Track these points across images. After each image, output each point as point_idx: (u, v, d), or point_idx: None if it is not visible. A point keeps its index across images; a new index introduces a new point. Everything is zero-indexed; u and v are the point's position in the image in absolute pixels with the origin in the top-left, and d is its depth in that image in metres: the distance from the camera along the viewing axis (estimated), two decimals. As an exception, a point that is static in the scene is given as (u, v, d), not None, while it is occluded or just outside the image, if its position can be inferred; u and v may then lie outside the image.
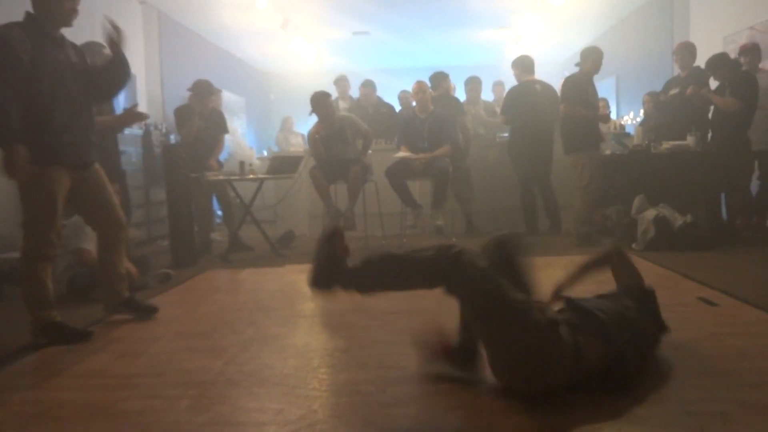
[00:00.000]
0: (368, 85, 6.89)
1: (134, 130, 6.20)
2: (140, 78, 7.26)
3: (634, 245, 4.79)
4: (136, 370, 2.38)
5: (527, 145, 5.56)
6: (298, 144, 8.79)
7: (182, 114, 5.59)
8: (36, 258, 2.77)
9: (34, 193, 2.73)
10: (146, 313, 3.16)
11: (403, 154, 5.34)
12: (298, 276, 4.33)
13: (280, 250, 5.34)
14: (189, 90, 5.64)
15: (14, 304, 3.70)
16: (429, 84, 5.93)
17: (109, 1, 6.65)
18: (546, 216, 5.73)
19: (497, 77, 8.23)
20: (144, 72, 7.44)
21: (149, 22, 7.63)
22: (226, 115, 6.11)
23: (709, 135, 5.40)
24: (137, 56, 7.28)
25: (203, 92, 5.58)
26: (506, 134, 6.86)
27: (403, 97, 7.90)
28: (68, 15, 2.79)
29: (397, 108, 7.53)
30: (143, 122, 6.44)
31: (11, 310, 3.56)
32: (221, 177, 5.27)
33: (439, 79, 6.10)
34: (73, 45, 2.97)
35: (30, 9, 2.76)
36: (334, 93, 7.32)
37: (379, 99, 7.08)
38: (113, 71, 3.03)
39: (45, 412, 2.01)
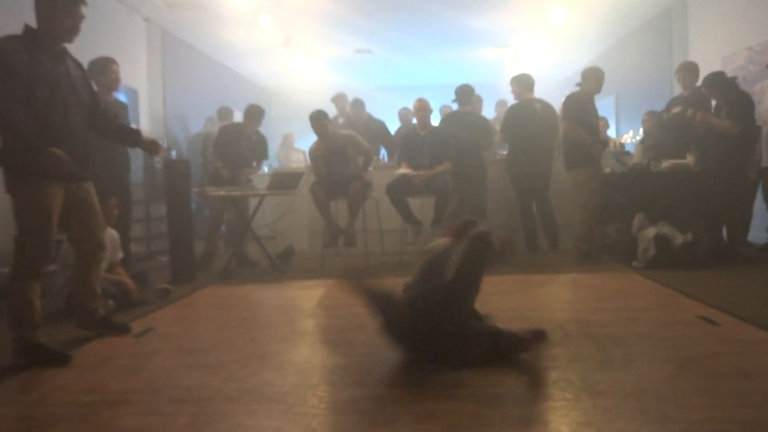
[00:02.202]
0: (357, 105, 7.10)
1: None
2: (143, 94, 7.31)
3: (634, 263, 4.78)
4: (133, 386, 2.36)
5: (526, 163, 5.55)
6: (298, 160, 8.82)
7: (227, 133, 5.75)
8: (26, 275, 2.70)
9: (28, 207, 2.68)
10: (119, 331, 3.13)
11: (403, 170, 5.35)
12: (298, 292, 4.33)
13: (280, 266, 5.33)
14: (244, 111, 5.79)
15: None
16: (456, 98, 5.86)
17: (114, 19, 6.74)
18: (544, 234, 5.72)
19: (497, 95, 8.28)
20: (147, 88, 7.49)
21: (153, 39, 7.70)
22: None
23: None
24: (140, 72, 7.34)
25: (254, 116, 5.72)
26: (505, 152, 6.90)
27: (403, 114, 7.95)
28: (69, 32, 2.80)
29: (396, 124, 7.60)
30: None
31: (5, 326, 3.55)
32: (221, 193, 5.28)
33: (468, 94, 5.87)
34: (74, 59, 2.96)
35: (29, 22, 2.78)
36: (333, 110, 7.41)
37: (369, 116, 7.19)
38: (122, 137, 3.11)
39: (43, 428, 1.99)
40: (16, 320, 2.69)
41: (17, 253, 2.70)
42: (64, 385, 2.39)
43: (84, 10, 2.83)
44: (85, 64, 3.23)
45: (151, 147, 3.19)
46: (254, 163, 5.93)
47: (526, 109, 5.66)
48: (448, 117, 6.17)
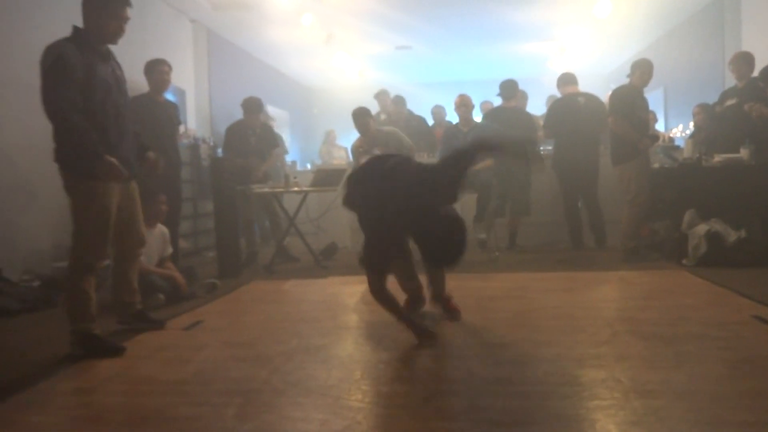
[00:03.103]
0: (398, 102, 7.10)
1: (183, 143, 6.38)
2: (189, 93, 7.49)
3: (684, 261, 4.65)
4: (183, 377, 2.43)
5: (572, 159, 5.47)
6: (341, 157, 8.88)
7: (233, 132, 5.78)
8: (84, 270, 2.79)
9: (88, 207, 2.76)
10: (154, 326, 3.20)
11: (445, 167, 5.32)
12: (340, 288, 4.37)
13: (323, 262, 5.39)
14: (241, 106, 5.81)
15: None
16: (500, 93, 5.81)
17: (162, 21, 6.93)
18: (591, 230, 5.61)
19: (540, 90, 8.14)
20: (193, 87, 7.67)
21: (199, 39, 7.88)
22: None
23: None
24: (187, 72, 7.52)
25: (253, 108, 5.72)
26: (550, 147, 6.79)
27: (436, 111, 7.93)
28: (114, 33, 2.85)
29: (430, 122, 7.59)
30: (192, 137, 6.67)
31: (64, 317, 3.69)
32: (266, 190, 5.37)
33: (513, 89, 5.80)
34: (116, 60, 3.00)
35: (69, 21, 2.86)
36: (375, 107, 7.44)
37: (410, 112, 7.19)
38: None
39: (98, 416, 2.08)
40: (74, 312, 2.78)
41: (75, 249, 2.79)
42: (118, 375, 2.48)
43: (129, 11, 2.88)
44: (135, 66, 3.32)
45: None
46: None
47: (569, 104, 5.59)
48: (491, 112, 6.12)
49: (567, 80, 5.70)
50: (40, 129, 4.59)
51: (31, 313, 3.77)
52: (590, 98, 5.57)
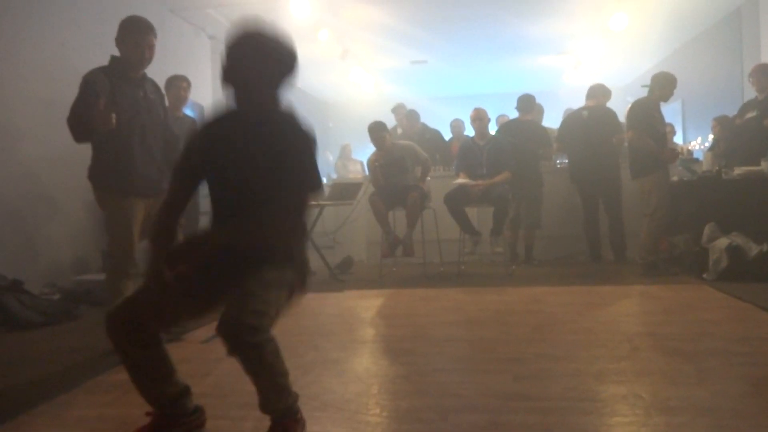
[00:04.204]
0: (411, 117, 7.15)
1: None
2: (208, 109, 7.58)
3: (705, 275, 4.59)
4: (202, 390, 2.43)
5: (587, 171, 5.47)
6: (356, 171, 8.92)
7: None
8: (118, 274, 3.05)
9: (113, 219, 3.05)
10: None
11: (461, 180, 5.34)
12: (357, 301, 4.37)
13: (339, 276, 5.40)
14: None
15: (89, 325, 3.89)
16: (517, 106, 5.94)
17: (182, 38, 7.05)
18: (610, 243, 5.56)
19: (556, 103, 8.14)
20: (212, 102, 7.76)
21: (217, 55, 7.96)
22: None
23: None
24: (205, 88, 7.62)
25: None
26: (566, 160, 6.77)
27: (455, 125, 7.94)
28: (139, 60, 3.09)
29: (447, 135, 7.61)
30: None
31: (86, 330, 3.73)
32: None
33: (530, 103, 5.92)
34: (153, 83, 3.28)
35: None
36: (392, 121, 7.48)
37: (425, 126, 7.21)
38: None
39: (116, 429, 2.09)
40: None
41: (108, 257, 3.16)
42: (134, 389, 2.49)
43: (153, 39, 3.12)
44: (157, 81, 3.42)
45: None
46: None
47: (574, 118, 5.68)
48: (505, 125, 6.15)
49: (587, 94, 5.75)
50: (60, 143, 4.69)
51: (52, 326, 3.81)
52: (594, 110, 5.59)
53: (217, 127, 2.04)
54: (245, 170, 1.90)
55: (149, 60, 3.14)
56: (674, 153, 5.18)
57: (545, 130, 6.21)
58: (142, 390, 1.93)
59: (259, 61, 1.96)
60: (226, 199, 1.95)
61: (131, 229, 3.05)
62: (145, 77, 3.20)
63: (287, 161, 1.87)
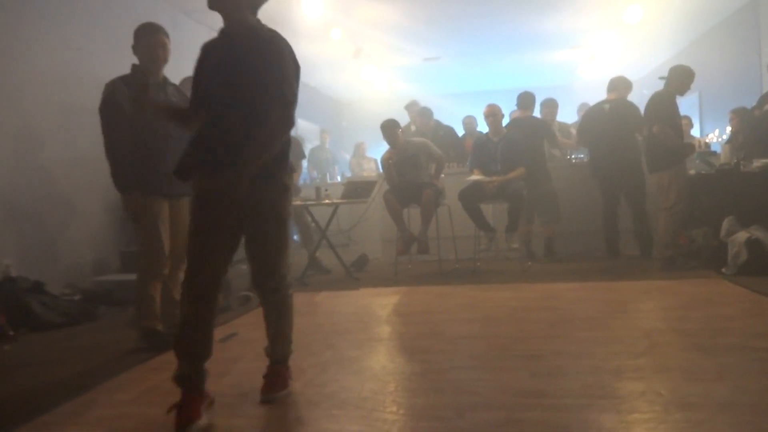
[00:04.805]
0: (424, 114, 7.13)
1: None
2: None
3: (724, 269, 4.53)
4: (220, 389, 2.46)
5: (608, 166, 5.38)
6: (371, 169, 8.93)
7: None
8: (148, 275, 3.15)
9: (141, 222, 3.14)
10: None
11: (476, 177, 5.33)
12: (372, 299, 4.38)
13: (354, 274, 5.41)
14: None
15: (108, 325, 3.95)
16: (517, 104, 5.97)
17: (196, 39, 7.08)
18: (635, 238, 5.48)
19: (571, 97, 8.08)
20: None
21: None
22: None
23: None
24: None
25: None
26: (582, 155, 6.73)
27: (467, 122, 7.92)
28: (151, 61, 3.18)
29: (460, 132, 7.58)
30: None
31: (105, 330, 3.79)
32: (298, 202, 5.43)
33: (530, 99, 6.01)
34: (174, 86, 3.35)
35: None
36: (405, 118, 7.48)
37: (438, 123, 7.19)
38: None
39: (135, 428, 2.12)
40: (141, 312, 3.16)
41: (140, 258, 3.20)
42: (156, 387, 2.53)
43: (164, 38, 3.20)
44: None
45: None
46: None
47: (595, 112, 5.61)
48: (511, 123, 6.13)
49: (608, 87, 5.68)
50: (80, 146, 4.77)
51: (73, 327, 3.87)
52: (616, 104, 5.49)
53: (207, 45, 2.30)
54: (217, 83, 2.14)
55: (164, 59, 3.21)
56: (692, 147, 5.12)
57: (548, 123, 6.18)
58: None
59: None
60: (206, 113, 2.16)
61: (157, 227, 3.12)
62: (166, 81, 3.28)
63: (252, 74, 2.08)
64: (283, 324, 2.31)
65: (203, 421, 2.01)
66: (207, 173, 2.12)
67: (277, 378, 2.29)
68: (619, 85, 5.60)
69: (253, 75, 2.07)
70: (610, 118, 5.38)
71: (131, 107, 2.98)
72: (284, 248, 2.24)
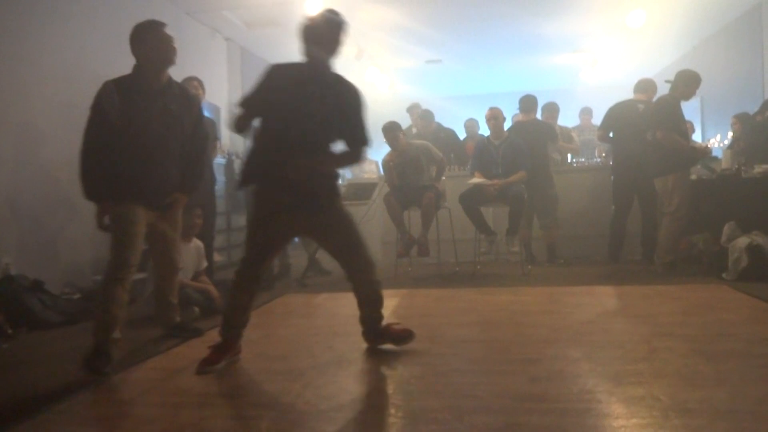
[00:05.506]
0: (426, 116, 7.13)
1: (218, 159, 6.51)
2: (224, 110, 7.64)
3: (724, 275, 4.52)
4: (218, 390, 2.47)
5: (632, 166, 5.29)
6: (371, 171, 8.92)
7: None
8: (109, 279, 2.86)
9: (113, 227, 2.93)
10: (194, 334, 3.41)
11: (476, 180, 5.32)
12: (372, 301, 4.37)
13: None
14: None
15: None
16: (519, 107, 5.95)
17: (198, 40, 7.11)
18: (642, 243, 5.44)
19: (573, 101, 8.09)
20: (227, 104, 7.83)
21: (233, 57, 8.06)
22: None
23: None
24: (221, 89, 7.69)
25: None
26: (583, 159, 6.72)
27: (469, 125, 7.92)
28: (148, 60, 2.96)
29: (462, 134, 7.58)
30: (225, 152, 6.80)
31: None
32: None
33: (531, 103, 5.94)
34: (179, 86, 3.15)
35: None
36: (407, 120, 7.48)
37: (439, 125, 7.19)
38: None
39: (135, 428, 2.12)
40: (96, 320, 2.85)
41: (108, 263, 2.92)
42: (155, 387, 2.53)
43: (161, 30, 2.98)
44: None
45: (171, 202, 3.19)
46: None
47: (627, 110, 5.47)
48: (514, 126, 6.12)
49: (636, 87, 5.63)
50: (80, 145, 4.74)
51: (72, 326, 3.87)
52: (650, 105, 5.38)
53: (291, 70, 2.73)
54: (308, 115, 2.62)
55: (165, 56, 2.96)
56: (704, 150, 5.09)
57: (551, 126, 6.16)
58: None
59: (335, 32, 2.84)
60: (283, 138, 2.62)
61: (125, 237, 2.88)
62: (170, 86, 3.05)
63: (344, 116, 2.71)
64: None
65: (221, 365, 2.70)
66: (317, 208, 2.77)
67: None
68: (649, 87, 5.54)
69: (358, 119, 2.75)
70: (645, 119, 5.27)
71: (116, 116, 2.83)
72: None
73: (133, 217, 2.95)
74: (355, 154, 2.79)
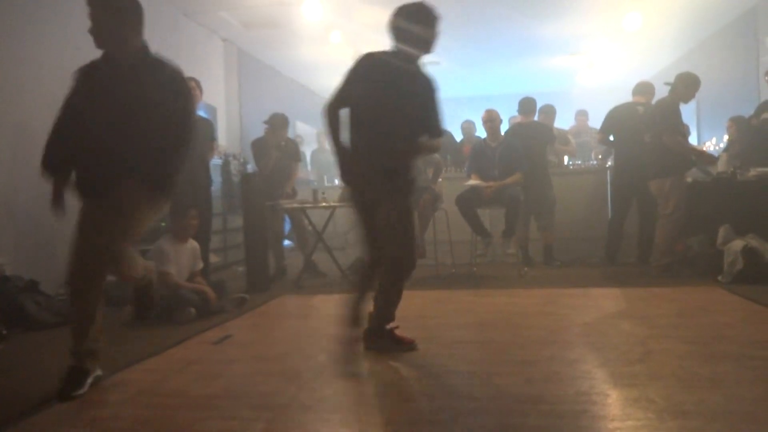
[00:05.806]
0: None
1: (214, 160, 6.51)
2: (220, 110, 7.64)
3: (720, 277, 4.54)
4: (213, 391, 2.46)
5: (633, 168, 5.29)
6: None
7: (259, 147, 5.84)
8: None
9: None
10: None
11: (473, 182, 5.33)
12: (368, 303, 4.36)
13: (350, 277, 5.40)
14: (265, 123, 5.88)
15: (104, 325, 3.92)
16: (518, 109, 5.98)
17: (195, 41, 7.10)
18: (638, 245, 5.45)
19: (569, 103, 8.10)
20: (224, 105, 7.82)
21: (230, 57, 8.06)
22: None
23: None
24: (218, 90, 7.68)
25: (279, 125, 5.81)
26: (579, 161, 6.73)
27: (466, 127, 7.92)
28: (92, 34, 2.82)
29: (458, 136, 7.58)
30: (222, 153, 6.78)
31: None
32: (295, 205, 5.43)
33: (531, 105, 5.98)
34: (159, 76, 2.72)
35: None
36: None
37: None
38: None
39: (129, 429, 2.11)
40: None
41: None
42: (150, 389, 2.52)
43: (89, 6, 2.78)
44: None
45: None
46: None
47: (627, 112, 5.48)
48: (512, 128, 6.13)
49: (636, 90, 5.64)
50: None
51: (66, 327, 3.83)
52: (649, 108, 5.39)
53: (382, 61, 2.91)
54: (401, 106, 2.80)
55: (92, 32, 2.80)
56: (711, 156, 5.11)
57: (549, 129, 6.17)
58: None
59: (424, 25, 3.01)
60: (370, 126, 2.79)
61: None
62: (141, 65, 2.70)
63: (425, 107, 2.86)
64: None
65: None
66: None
67: None
68: (647, 90, 5.56)
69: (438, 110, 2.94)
70: (645, 122, 5.27)
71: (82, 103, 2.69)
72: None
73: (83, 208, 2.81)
74: (436, 144, 3.02)
